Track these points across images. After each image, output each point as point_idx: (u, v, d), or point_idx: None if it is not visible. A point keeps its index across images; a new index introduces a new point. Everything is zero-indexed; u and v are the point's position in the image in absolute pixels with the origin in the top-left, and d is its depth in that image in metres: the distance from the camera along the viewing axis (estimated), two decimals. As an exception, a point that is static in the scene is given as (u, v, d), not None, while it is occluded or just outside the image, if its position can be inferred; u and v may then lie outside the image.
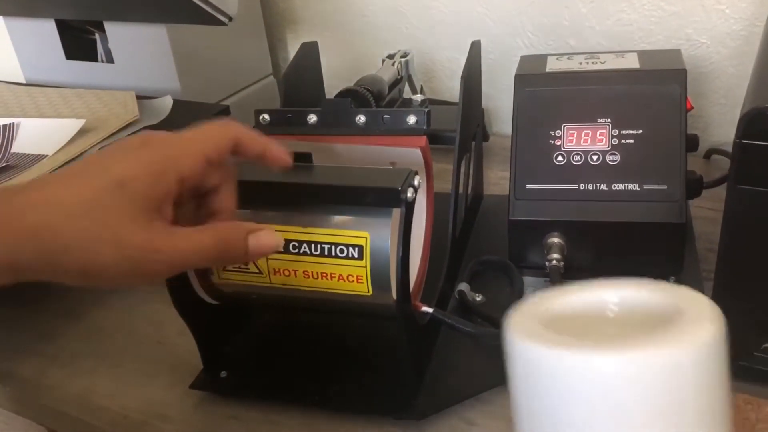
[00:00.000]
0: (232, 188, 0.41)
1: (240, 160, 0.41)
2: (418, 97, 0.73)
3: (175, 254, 0.35)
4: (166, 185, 0.35)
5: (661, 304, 0.29)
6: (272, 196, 0.46)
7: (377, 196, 0.43)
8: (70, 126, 0.67)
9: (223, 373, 0.51)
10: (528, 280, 0.57)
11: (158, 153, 0.36)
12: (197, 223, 0.38)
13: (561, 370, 0.26)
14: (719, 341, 0.26)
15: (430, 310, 0.49)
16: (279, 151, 0.42)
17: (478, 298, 0.55)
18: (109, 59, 0.87)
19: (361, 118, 0.51)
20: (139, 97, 0.75)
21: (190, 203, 0.40)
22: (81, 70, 0.89)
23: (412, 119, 0.50)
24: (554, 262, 0.54)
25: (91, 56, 0.89)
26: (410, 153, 0.51)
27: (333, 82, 0.70)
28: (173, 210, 0.36)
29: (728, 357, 0.27)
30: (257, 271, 0.46)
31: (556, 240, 0.55)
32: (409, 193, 0.42)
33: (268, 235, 0.39)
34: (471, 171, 0.62)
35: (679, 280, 0.55)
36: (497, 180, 0.75)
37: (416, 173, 0.44)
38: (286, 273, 0.45)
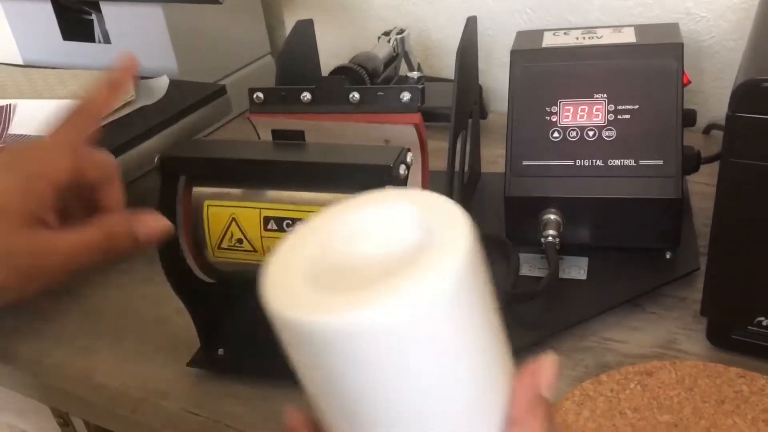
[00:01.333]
0: (115, 184, 0.40)
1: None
2: (415, 74, 0.73)
3: (63, 254, 0.36)
4: (37, 197, 0.36)
5: (417, 228, 0.27)
6: (264, 174, 0.46)
7: (369, 174, 0.42)
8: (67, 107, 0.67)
9: (221, 351, 0.51)
10: (524, 256, 0.57)
11: (21, 171, 0.36)
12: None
13: (320, 338, 0.24)
14: (467, 264, 0.25)
15: (425, 286, 0.49)
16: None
17: (474, 275, 0.55)
18: (107, 40, 0.87)
19: (355, 96, 0.50)
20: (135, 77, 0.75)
21: (78, 207, 0.40)
22: (78, 50, 0.89)
23: (406, 96, 0.50)
24: (550, 238, 0.54)
25: (89, 37, 0.89)
26: (404, 130, 0.51)
27: (332, 60, 0.69)
28: (59, 216, 0.37)
29: (482, 265, 0.27)
30: (252, 249, 0.46)
31: (552, 216, 0.55)
32: (401, 170, 0.42)
33: (154, 219, 0.39)
34: (468, 148, 0.62)
35: (676, 256, 0.55)
36: (495, 158, 0.75)
37: (409, 150, 0.43)
38: (281, 251, 0.45)
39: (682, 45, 0.54)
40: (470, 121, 0.62)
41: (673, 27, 0.59)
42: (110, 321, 0.59)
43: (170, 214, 0.47)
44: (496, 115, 0.83)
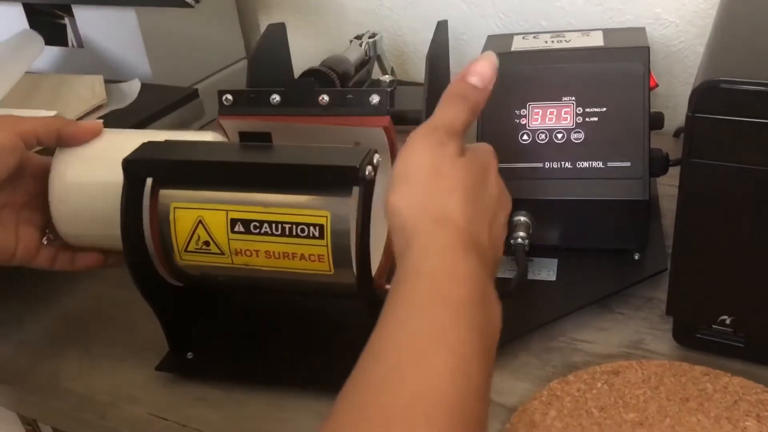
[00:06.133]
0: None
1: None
2: (387, 78, 0.73)
3: None
4: None
5: None
6: (231, 175, 0.46)
7: (336, 175, 0.43)
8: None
9: (190, 355, 0.51)
10: (495, 258, 0.57)
11: None
12: None
13: None
14: None
15: (394, 288, 0.49)
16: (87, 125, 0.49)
17: (445, 277, 0.55)
18: (80, 44, 0.86)
19: (324, 98, 0.50)
20: (107, 81, 0.74)
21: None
22: (51, 55, 0.88)
23: (375, 99, 0.50)
24: (519, 240, 0.54)
25: (61, 41, 0.88)
26: (374, 132, 0.51)
27: (307, 65, 0.69)
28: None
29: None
30: (219, 251, 0.46)
31: (522, 218, 0.55)
32: (368, 171, 0.42)
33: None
34: (439, 151, 0.62)
35: (644, 257, 0.56)
36: (469, 161, 0.75)
37: (376, 151, 0.44)
38: (248, 253, 0.45)
39: (648, 48, 0.55)
40: (442, 124, 0.63)
41: (640, 31, 0.60)
42: (79, 326, 0.58)
43: (136, 217, 0.46)
44: (471, 119, 0.84)
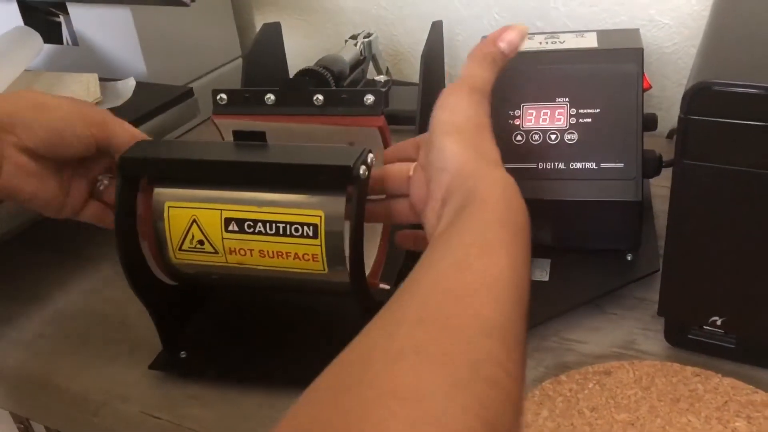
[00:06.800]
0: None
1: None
2: (382, 78, 0.73)
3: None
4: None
5: None
6: (225, 174, 0.46)
7: (330, 174, 0.43)
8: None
9: (183, 353, 0.51)
10: (488, 258, 0.57)
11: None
12: None
13: None
14: None
15: (388, 287, 0.49)
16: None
17: (439, 277, 0.56)
18: (74, 42, 0.86)
19: (319, 98, 0.51)
20: (102, 80, 0.74)
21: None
22: (46, 53, 0.88)
23: (369, 99, 0.50)
24: (513, 240, 0.54)
25: (56, 39, 0.88)
26: (368, 132, 0.51)
27: (302, 65, 0.69)
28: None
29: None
30: (213, 250, 0.46)
31: (515, 219, 0.55)
32: (362, 171, 0.42)
33: None
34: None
35: (637, 257, 0.56)
36: (463, 161, 0.75)
37: (370, 151, 0.44)
38: (242, 252, 0.45)
39: (642, 50, 0.55)
40: (436, 124, 0.63)
41: (634, 32, 0.60)
42: (72, 324, 0.58)
43: (130, 215, 0.46)
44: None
